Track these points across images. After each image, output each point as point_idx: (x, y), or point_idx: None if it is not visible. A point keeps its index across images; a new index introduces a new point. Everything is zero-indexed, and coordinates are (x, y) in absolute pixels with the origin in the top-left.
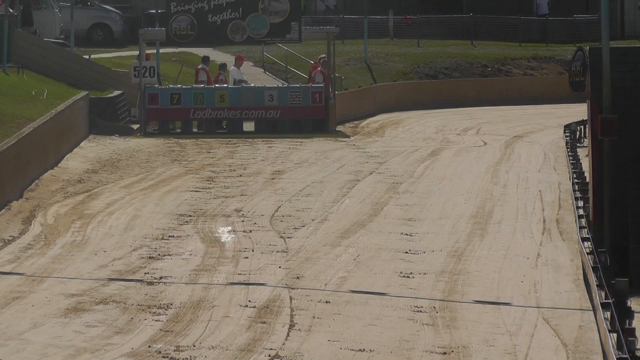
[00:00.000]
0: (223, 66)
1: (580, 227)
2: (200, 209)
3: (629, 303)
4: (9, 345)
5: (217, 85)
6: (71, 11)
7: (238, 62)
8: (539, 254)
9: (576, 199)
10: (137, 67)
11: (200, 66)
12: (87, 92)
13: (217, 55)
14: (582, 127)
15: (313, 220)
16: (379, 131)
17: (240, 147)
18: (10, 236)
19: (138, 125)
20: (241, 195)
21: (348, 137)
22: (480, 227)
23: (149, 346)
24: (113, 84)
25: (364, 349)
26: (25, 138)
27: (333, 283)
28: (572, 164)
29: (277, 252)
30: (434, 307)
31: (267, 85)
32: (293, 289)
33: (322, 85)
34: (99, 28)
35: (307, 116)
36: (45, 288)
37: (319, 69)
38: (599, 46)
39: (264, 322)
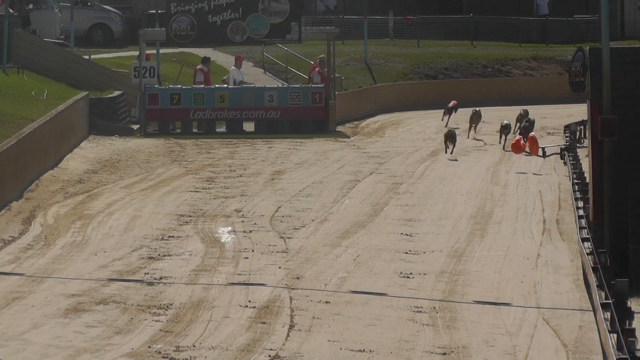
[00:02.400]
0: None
1: (580, 228)
2: (200, 210)
3: (629, 303)
4: (9, 345)
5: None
6: (71, 11)
7: (238, 63)
8: (539, 255)
9: (576, 199)
10: (137, 68)
11: (198, 67)
12: (87, 92)
13: (217, 56)
14: (582, 127)
15: (313, 220)
16: (379, 131)
17: (240, 147)
18: (10, 236)
19: (138, 126)
20: (241, 195)
21: (348, 137)
22: (480, 227)
23: (149, 346)
24: (113, 84)
25: (364, 349)
26: (25, 138)
27: (333, 283)
28: (572, 164)
29: (277, 252)
30: (434, 307)
31: (267, 86)
32: (293, 289)
33: (322, 85)
34: (99, 28)
35: (307, 116)
36: (46, 288)
37: (317, 69)
38: (599, 46)
39: (264, 323)
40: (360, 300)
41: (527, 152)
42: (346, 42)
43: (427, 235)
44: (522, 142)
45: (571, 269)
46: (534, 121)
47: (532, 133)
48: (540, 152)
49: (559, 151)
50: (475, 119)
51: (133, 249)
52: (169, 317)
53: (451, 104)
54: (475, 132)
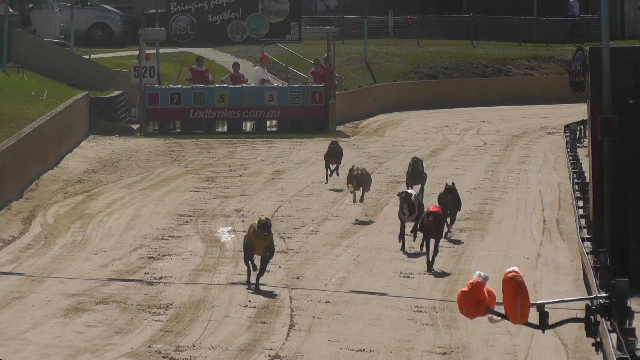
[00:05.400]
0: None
1: (580, 227)
2: (200, 209)
3: (629, 303)
4: (9, 345)
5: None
6: (71, 11)
7: (262, 62)
8: (539, 254)
9: (576, 199)
10: (137, 67)
11: (192, 66)
12: (87, 92)
13: (217, 55)
14: (582, 127)
15: (313, 220)
16: (379, 131)
17: (240, 147)
18: (10, 236)
19: (138, 125)
20: (241, 195)
21: (348, 137)
22: (481, 227)
23: (149, 346)
24: (113, 84)
25: (364, 349)
26: (25, 138)
27: (333, 283)
28: (572, 164)
29: (277, 252)
30: (434, 307)
31: (267, 85)
32: (293, 289)
33: (322, 85)
34: (99, 28)
35: (307, 116)
36: (45, 288)
37: (312, 69)
38: (599, 46)
39: (264, 322)
40: (360, 300)
41: (500, 316)
42: (346, 42)
43: None
44: (485, 290)
45: (571, 269)
46: (422, 164)
47: (512, 271)
48: (529, 316)
49: (576, 316)
50: (354, 179)
51: (133, 248)
52: (169, 316)
53: (332, 150)
54: (361, 197)
